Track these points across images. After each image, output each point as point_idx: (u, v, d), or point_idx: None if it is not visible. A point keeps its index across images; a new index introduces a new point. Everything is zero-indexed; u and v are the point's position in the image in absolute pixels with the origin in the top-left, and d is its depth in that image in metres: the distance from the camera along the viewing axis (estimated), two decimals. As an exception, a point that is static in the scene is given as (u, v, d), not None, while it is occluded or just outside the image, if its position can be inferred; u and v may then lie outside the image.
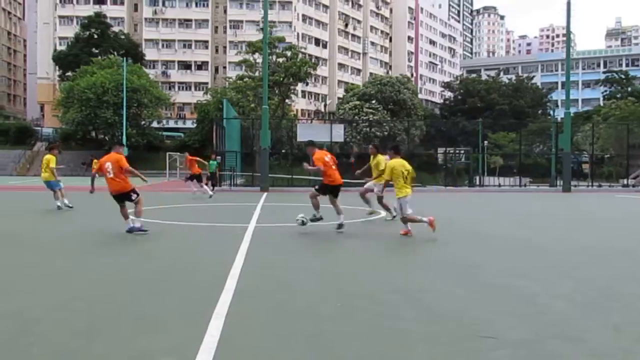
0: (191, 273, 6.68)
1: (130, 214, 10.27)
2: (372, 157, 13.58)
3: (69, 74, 70.70)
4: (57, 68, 76.75)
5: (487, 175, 49.66)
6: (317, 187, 11.01)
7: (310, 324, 4.62)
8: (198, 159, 23.74)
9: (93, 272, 6.72)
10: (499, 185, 39.40)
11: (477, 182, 42.91)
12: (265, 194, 24.82)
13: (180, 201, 19.97)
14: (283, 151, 42.69)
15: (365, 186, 13.82)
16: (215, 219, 13.26)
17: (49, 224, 12.22)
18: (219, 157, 29.69)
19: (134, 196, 10.04)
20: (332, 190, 10.93)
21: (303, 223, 10.68)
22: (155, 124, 68.88)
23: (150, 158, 61.11)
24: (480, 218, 14.86)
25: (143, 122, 66.01)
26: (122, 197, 10.04)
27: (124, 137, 57.49)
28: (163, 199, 20.45)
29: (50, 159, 15.83)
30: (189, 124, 75.19)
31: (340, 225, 10.68)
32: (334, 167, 10.92)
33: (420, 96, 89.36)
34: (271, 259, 7.81)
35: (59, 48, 78.18)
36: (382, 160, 12.83)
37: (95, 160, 57.27)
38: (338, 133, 33.20)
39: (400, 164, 10.25)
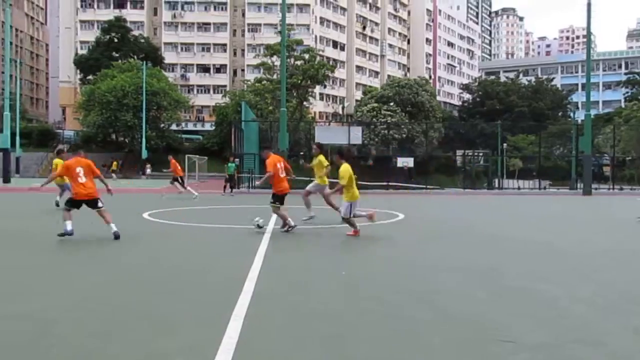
0: (208, 275, 6.70)
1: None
2: (314, 157, 13.43)
3: (90, 77, 71.52)
4: (78, 72, 77.66)
5: (506, 178, 49.24)
6: (272, 200, 10.99)
7: (327, 326, 4.61)
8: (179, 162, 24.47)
9: (108, 273, 6.78)
10: (519, 188, 39.08)
11: (496, 185, 42.59)
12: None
13: (200, 203, 20.08)
14: (301, 153, 42.71)
15: (308, 187, 13.65)
16: (234, 221, 13.30)
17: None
18: (237, 160, 29.82)
19: (100, 204, 9.64)
20: (282, 199, 10.97)
21: (259, 227, 10.71)
22: (174, 127, 69.38)
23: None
24: (500, 221, 14.73)
25: (162, 125, 66.51)
26: (92, 203, 9.59)
27: (144, 139, 58.10)
28: (181, 201, 20.56)
29: (57, 163, 16.37)
30: (208, 127, 75.61)
31: (290, 227, 10.71)
32: (282, 174, 10.97)
33: (438, 98, 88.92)
34: (289, 261, 7.82)
35: (80, 52, 79.11)
36: (324, 160, 12.87)
37: (115, 162, 57.57)
38: (356, 135, 33.19)
39: (348, 169, 10.30)
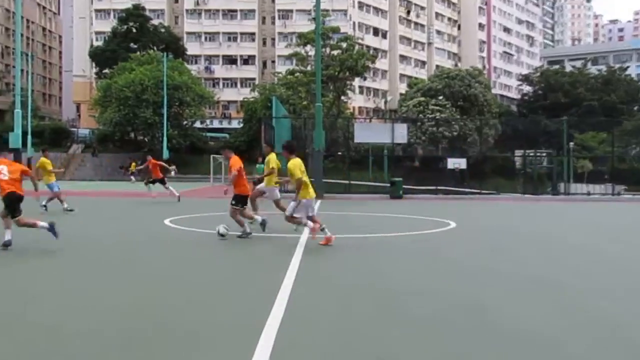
0: (240, 285, 6.81)
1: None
2: (266, 157, 13.59)
3: (106, 71, 72.91)
4: (93, 65, 79.30)
5: (574, 182, 48.41)
6: (233, 202, 11.35)
7: (365, 341, 4.68)
8: (162, 163, 24.81)
9: (131, 283, 6.97)
10: (588, 194, 38.36)
11: (562, 190, 41.90)
12: (319, 201, 24.91)
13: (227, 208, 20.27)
14: (339, 153, 42.79)
15: (257, 187, 14.06)
16: (266, 229, 13.41)
17: (76, 230, 12.65)
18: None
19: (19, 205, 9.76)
20: (245, 200, 11.43)
21: (222, 235, 10.89)
22: (198, 124, 70.21)
23: (192, 161, 62.33)
24: (565, 230, 14.53)
25: (185, 122, 67.35)
26: (17, 203, 9.68)
27: (165, 138, 58.94)
28: (208, 206, 20.84)
29: (45, 162, 17.92)
30: (235, 124, 76.34)
31: (246, 234, 11.11)
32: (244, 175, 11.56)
33: (493, 91, 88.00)
34: (324, 271, 7.88)
35: (95, 43, 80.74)
36: (273, 159, 13.27)
37: (134, 164, 58.28)
38: (400, 133, 33.05)
39: (300, 164, 10.46)
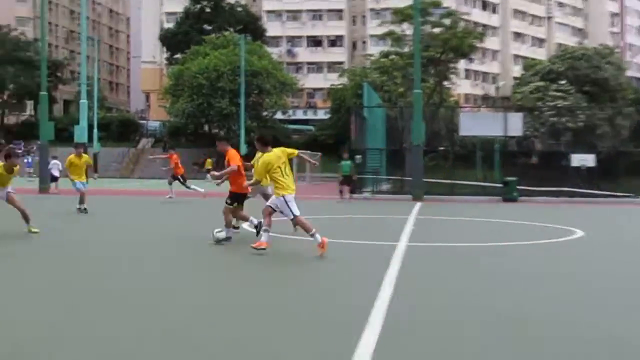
0: (327, 302, 6.77)
1: None
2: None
3: (178, 56, 74.88)
4: (164, 50, 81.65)
5: None
6: (228, 201, 11.62)
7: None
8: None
9: (195, 295, 7.06)
10: None
11: None
12: (419, 203, 24.72)
13: (313, 211, 20.38)
14: (441, 149, 42.21)
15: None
16: (355, 235, 13.40)
17: (145, 234, 13.01)
18: (358, 156, 29.96)
19: None
20: (241, 199, 11.75)
21: (219, 241, 11.16)
22: (279, 115, 71.08)
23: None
24: None
25: (265, 113, 68.35)
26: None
27: (242, 131, 59.85)
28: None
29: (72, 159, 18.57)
30: (321, 115, 76.89)
31: (226, 239, 11.29)
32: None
33: (628, 73, 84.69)
34: (427, 288, 7.73)
35: (166, 26, 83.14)
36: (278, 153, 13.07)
37: (209, 160, 59.16)
38: (515, 125, 32.21)
39: (276, 157, 10.39)
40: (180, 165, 24.88)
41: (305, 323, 5.91)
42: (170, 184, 24.45)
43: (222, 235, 11.30)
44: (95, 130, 60.33)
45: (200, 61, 64.78)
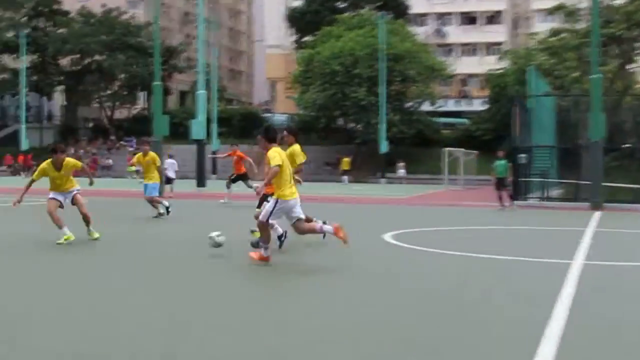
0: (486, 329, 6.72)
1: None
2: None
3: (308, 38, 75.93)
4: (292, 32, 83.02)
5: None
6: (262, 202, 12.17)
7: None
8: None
9: (364, 311, 7.16)
10: None
11: None
12: (598, 213, 23.98)
13: (467, 221, 20.21)
14: (626, 145, 40.67)
15: None
16: (520, 250, 13.23)
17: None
18: (522, 155, 29.37)
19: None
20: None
21: (217, 244, 11.57)
22: (426, 106, 70.58)
23: (419, 156, 62.88)
24: None
25: (409, 104, 68.07)
26: None
27: (383, 125, 59.82)
28: (439, 217, 20.91)
29: (139, 157, 19.51)
30: (477, 105, 75.99)
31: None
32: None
33: None
34: (613, 317, 7.51)
35: (293, 4, 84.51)
36: (299, 152, 13.52)
37: (346, 160, 59.11)
38: None
39: (283, 153, 10.93)
40: (242, 165, 25.09)
41: (470, 339, 5.91)
42: (228, 186, 25.16)
43: (220, 238, 11.72)
44: (214, 125, 61.50)
45: (333, 44, 65.34)
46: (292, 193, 10.90)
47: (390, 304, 7.94)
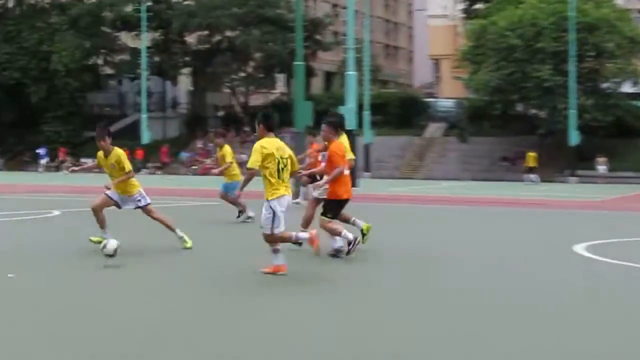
0: None
1: None
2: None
3: (479, 6, 75.12)
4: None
5: None
6: (326, 209, 13.02)
7: None
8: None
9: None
10: None
11: None
12: None
13: None
14: None
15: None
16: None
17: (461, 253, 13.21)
18: None
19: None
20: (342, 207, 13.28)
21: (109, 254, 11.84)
22: (627, 88, 68.33)
23: (618, 149, 60.96)
24: None
25: (605, 85, 66.19)
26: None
27: (573, 111, 58.40)
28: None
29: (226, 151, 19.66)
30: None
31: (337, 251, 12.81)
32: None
33: None
34: None
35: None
36: (344, 144, 13.98)
37: (531, 154, 57.94)
38: None
39: (276, 146, 11.24)
40: (319, 160, 24.42)
41: None
42: (304, 185, 24.98)
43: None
44: (366, 113, 61.62)
45: (511, 12, 64.42)
46: (281, 190, 11.19)
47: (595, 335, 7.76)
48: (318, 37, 80.00)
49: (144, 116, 67.89)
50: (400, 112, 75.41)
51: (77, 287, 10.39)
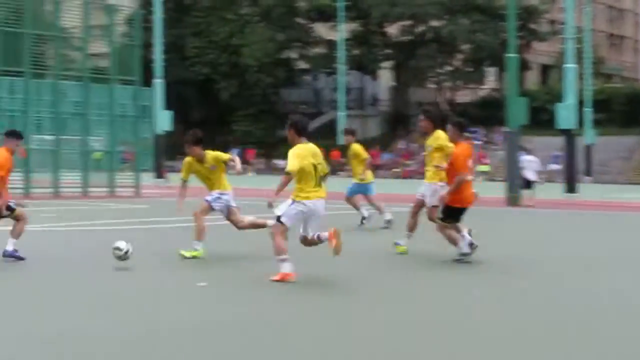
0: None
1: None
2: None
3: None
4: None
5: None
6: (441, 216, 13.79)
7: None
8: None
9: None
10: None
11: None
12: None
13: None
14: None
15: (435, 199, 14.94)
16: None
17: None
18: None
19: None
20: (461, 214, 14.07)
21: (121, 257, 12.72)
22: None
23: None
24: None
25: None
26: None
27: None
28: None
29: (357, 150, 20.19)
30: None
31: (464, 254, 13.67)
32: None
33: None
34: None
35: None
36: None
37: None
38: None
39: (311, 152, 11.96)
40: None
41: None
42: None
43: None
44: (587, 110, 60.39)
45: None
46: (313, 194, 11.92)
47: None
48: (533, 26, 78.99)
49: (342, 114, 68.13)
50: (627, 109, 73.55)
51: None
